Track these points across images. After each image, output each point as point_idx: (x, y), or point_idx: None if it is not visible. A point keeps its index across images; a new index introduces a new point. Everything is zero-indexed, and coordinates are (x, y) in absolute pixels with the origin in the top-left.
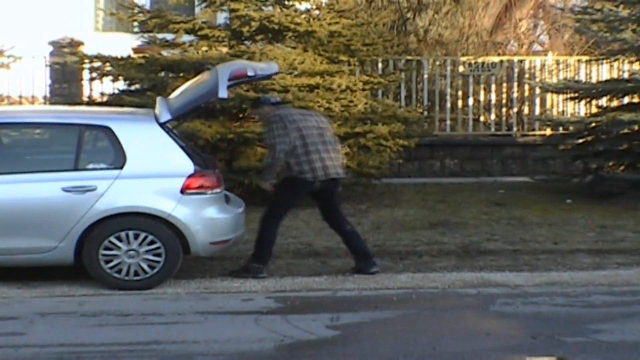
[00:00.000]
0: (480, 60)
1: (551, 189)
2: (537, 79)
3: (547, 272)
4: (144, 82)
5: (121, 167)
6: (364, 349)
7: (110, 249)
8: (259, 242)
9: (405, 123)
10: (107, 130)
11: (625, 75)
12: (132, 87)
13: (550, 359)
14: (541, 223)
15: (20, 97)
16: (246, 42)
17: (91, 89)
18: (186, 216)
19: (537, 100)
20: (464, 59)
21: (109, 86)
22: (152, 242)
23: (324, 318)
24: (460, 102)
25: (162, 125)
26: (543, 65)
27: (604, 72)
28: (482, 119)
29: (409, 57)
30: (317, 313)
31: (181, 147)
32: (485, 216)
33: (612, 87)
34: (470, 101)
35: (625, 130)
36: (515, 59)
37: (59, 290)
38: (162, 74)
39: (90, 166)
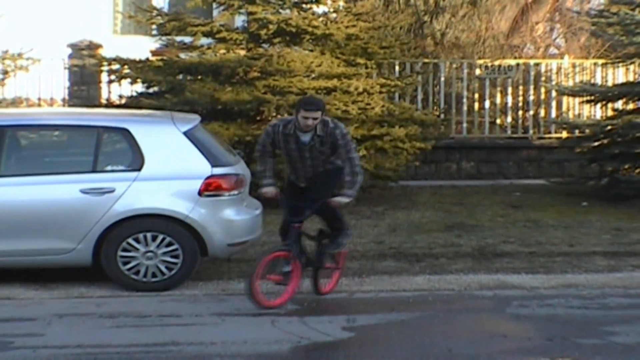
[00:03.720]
0: (496, 63)
1: (567, 192)
2: (554, 82)
3: (562, 274)
4: (162, 85)
5: (139, 169)
6: (379, 351)
7: (128, 251)
8: None
9: (421, 126)
10: (125, 132)
11: None
12: (151, 90)
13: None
14: (557, 225)
15: (39, 99)
16: (264, 45)
17: (109, 92)
18: (204, 218)
19: (553, 103)
20: (480, 62)
21: (127, 89)
22: (169, 244)
23: (341, 320)
24: (476, 105)
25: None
26: (559, 68)
27: (619, 75)
28: (498, 121)
29: (426, 60)
30: (334, 315)
31: (199, 149)
32: (501, 218)
33: (628, 90)
34: (487, 104)
35: None
36: (532, 62)
37: (77, 291)
38: (180, 76)
39: (109, 168)
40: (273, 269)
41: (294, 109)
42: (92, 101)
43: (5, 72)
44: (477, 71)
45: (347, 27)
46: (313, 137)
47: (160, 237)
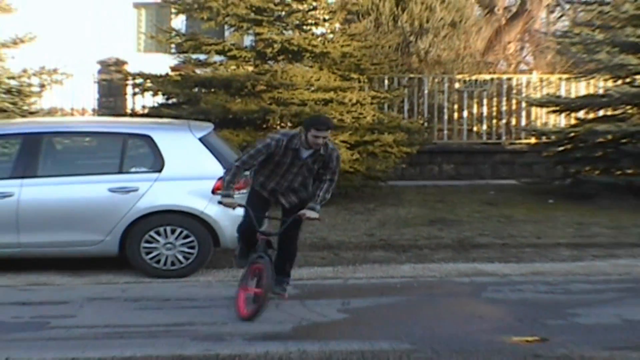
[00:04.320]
0: (473, 77)
1: (535, 191)
2: (524, 94)
3: (531, 263)
4: (180, 97)
5: (160, 171)
6: (371, 330)
7: (150, 242)
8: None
9: (408, 133)
10: (148, 138)
11: (601, 91)
12: (170, 101)
13: (534, 339)
14: (526, 220)
15: (72, 109)
16: (269, 61)
17: (134, 103)
18: (216, 213)
19: (523, 113)
20: (459, 76)
21: (149, 100)
22: (186, 236)
23: (336, 303)
24: (456, 115)
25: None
26: (528, 82)
27: (581, 88)
28: (475, 129)
29: (412, 75)
30: (330, 299)
31: (212, 152)
32: (478, 214)
33: (589, 102)
34: (465, 113)
35: (600, 140)
36: (504, 76)
37: (105, 278)
38: (196, 89)
39: (133, 170)
40: (253, 282)
41: (304, 127)
42: (119, 111)
43: (42, 86)
44: (457, 85)
45: (342, 46)
46: (313, 154)
47: (179, 230)
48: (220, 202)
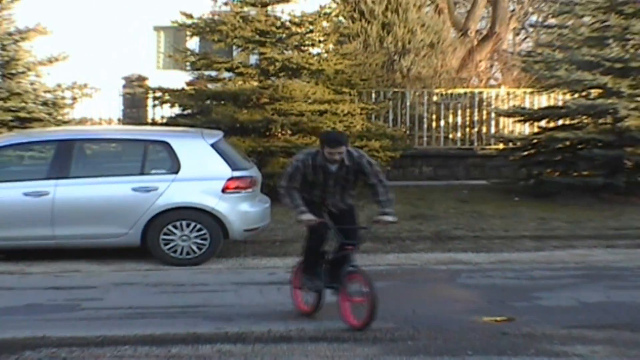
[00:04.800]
0: (449, 91)
1: (503, 190)
2: (493, 106)
3: (500, 252)
4: (194, 108)
5: (176, 172)
6: None
7: (168, 234)
8: None
9: (392, 139)
10: (166, 144)
11: (560, 104)
12: (185, 112)
13: (502, 319)
14: (495, 215)
15: (100, 119)
16: (272, 77)
17: (154, 113)
18: (226, 209)
19: (493, 122)
20: (437, 91)
21: (167, 111)
22: (199, 229)
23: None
24: (434, 124)
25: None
26: (497, 96)
27: (543, 101)
28: (450, 136)
29: (395, 90)
30: None
31: (222, 156)
32: (453, 210)
33: (550, 113)
34: (442, 123)
35: (559, 145)
36: (476, 90)
37: (129, 266)
38: (208, 101)
39: (153, 171)
40: (354, 291)
41: (320, 144)
42: (141, 120)
43: (74, 99)
44: (435, 98)
45: (335, 64)
46: (340, 166)
47: (193, 224)
48: (300, 221)
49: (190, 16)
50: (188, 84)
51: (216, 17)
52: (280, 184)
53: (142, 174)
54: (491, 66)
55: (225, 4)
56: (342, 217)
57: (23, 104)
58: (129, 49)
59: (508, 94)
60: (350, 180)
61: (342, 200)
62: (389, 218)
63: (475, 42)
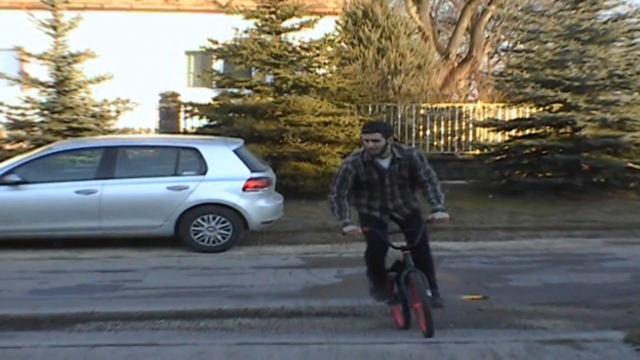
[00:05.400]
0: (434, 106)
1: (479, 189)
2: (471, 118)
3: (476, 241)
4: (219, 120)
5: (204, 174)
6: (359, 291)
7: (197, 226)
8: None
9: None
10: (196, 150)
11: (527, 116)
12: (211, 123)
13: (478, 298)
14: (473, 210)
15: (140, 129)
16: (284, 94)
17: (185, 124)
18: (246, 205)
19: (471, 132)
20: (423, 105)
21: (196, 122)
22: (223, 222)
23: (333, 271)
24: (421, 133)
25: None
26: (474, 109)
27: (513, 113)
28: (435, 143)
29: (389, 104)
30: (329, 268)
31: (242, 160)
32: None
33: (518, 123)
34: (428, 132)
35: (527, 151)
36: (457, 105)
37: (164, 252)
38: (231, 114)
39: (185, 173)
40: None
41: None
42: (174, 130)
43: (118, 112)
44: (422, 111)
45: (338, 83)
46: (392, 161)
47: (218, 217)
48: (344, 234)
49: (215, 42)
50: (214, 99)
51: (237, 43)
52: (330, 191)
53: (175, 175)
54: (469, 84)
55: (245, 32)
56: (408, 223)
57: (75, 116)
58: (164, 70)
59: (483, 108)
60: (405, 177)
61: (406, 204)
62: (439, 215)
63: (456, 64)
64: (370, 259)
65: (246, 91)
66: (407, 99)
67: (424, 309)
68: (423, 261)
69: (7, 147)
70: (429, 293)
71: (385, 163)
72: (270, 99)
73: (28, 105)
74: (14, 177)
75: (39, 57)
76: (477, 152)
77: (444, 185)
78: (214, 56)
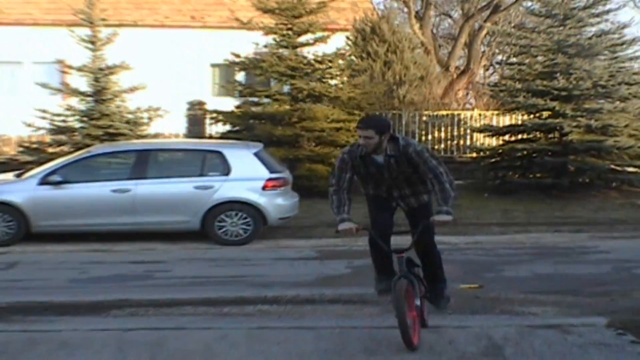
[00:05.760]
0: (435, 113)
1: (476, 188)
2: (468, 124)
3: (473, 236)
4: (240, 126)
5: (227, 174)
6: (367, 280)
7: (221, 222)
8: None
9: None
10: (220, 153)
11: (519, 122)
12: (234, 129)
13: (475, 286)
14: (470, 207)
15: (169, 134)
16: (300, 102)
17: (210, 130)
18: (265, 202)
19: (468, 137)
20: (425, 112)
21: (220, 128)
22: (245, 217)
23: (344, 262)
24: (423, 138)
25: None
26: (471, 116)
27: (506, 120)
28: (436, 147)
29: (394, 111)
30: (340, 260)
31: (262, 162)
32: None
33: (511, 129)
34: (430, 137)
35: (519, 154)
36: (455, 112)
37: (191, 245)
38: (251, 121)
39: (210, 174)
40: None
41: None
42: (200, 135)
43: (150, 118)
44: (424, 118)
45: (348, 92)
46: (387, 157)
47: (240, 213)
48: (337, 232)
49: (238, 56)
50: (236, 107)
51: (258, 57)
52: (329, 184)
53: (201, 175)
54: (467, 94)
55: (265, 46)
56: (412, 217)
57: (111, 123)
58: (191, 80)
59: (480, 115)
60: (407, 172)
61: (414, 195)
62: (442, 217)
63: (455, 76)
64: (373, 259)
65: (265, 100)
66: (411, 107)
67: (419, 318)
68: (426, 257)
69: (50, 150)
70: (418, 302)
71: (379, 159)
72: (287, 107)
73: (69, 113)
74: (56, 178)
75: (79, 70)
76: (474, 155)
77: None
78: (237, 68)
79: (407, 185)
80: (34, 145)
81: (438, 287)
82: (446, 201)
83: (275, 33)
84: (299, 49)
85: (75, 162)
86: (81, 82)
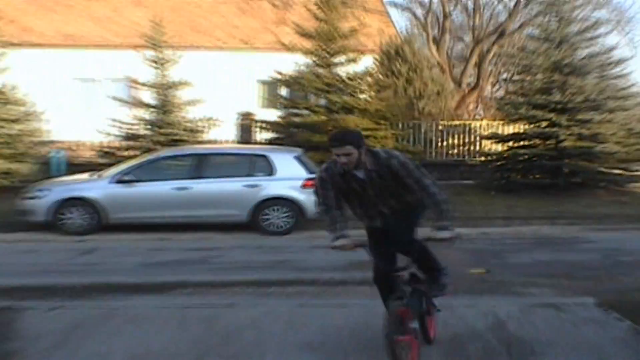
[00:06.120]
0: (449, 123)
1: (484, 187)
2: (478, 133)
3: (481, 227)
4: (283, 134)
5: (271, 175)
6: None
7: (266, 215)
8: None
9: (412, 154)
10: (265, 157)
11: (522, 131)
12: (278, 136)
13: (481, 271)
14: (478, 203)
15: (223, 140)
16: (334, 114)
17: (258, 137)
18: (304, 199)
19: (477, 143)
20: (441, 122)
21: (266, 135)
22: (286, 211)
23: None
24: (439, 144)
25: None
26: (480, 126)
27: (510, 129)
28: (450, 152)
29: (414, 122)
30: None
31: (302, 165)
32: (451, 200)
33: (515, 137)
34: (445, 143)
35: (521, 158)
36: (467, 122)
37: (240, 235)
38: (292, 129)
39: (257, 174)
40: (400, 329)
41: None
42: (249, 141)
43: (206, 127)
44: (440, 127)
45: (376, 105)
46: (367, 172)
47: (282, 208)
48: (332, 248)
49: (281, 74)
50: (280, 117)
51: (298, 74)
52: (316, 204)
53: (249, 175)
54: (477, 106)
55: (304, 66)
56: (394, 223)
57: (173, 131)
58: (241, 94)
59: (487, 124)
60: (390, 187)
61: (399, 201)
62: (443, 234)
63: (466, 91)
64: (375, 281)
65: (304, 111)
66: (429, 118)
67: (413, 342)
68: (422, 262)
69: (120, 154)
70: (415, 325)
71: (361, 174)
72: (324, 117)
73: (137, 122)
74: (127, 177)
75: (147, 85)
76: (483, 158)
77: (456, 184)
78: (280, 84)
79: (394, 198)
80: (107, 150)
81: (439, 286)
82: (442, 215)
83: (313, 54)
84: (333, 68)
85: (143, 164)
86: (147, 96)
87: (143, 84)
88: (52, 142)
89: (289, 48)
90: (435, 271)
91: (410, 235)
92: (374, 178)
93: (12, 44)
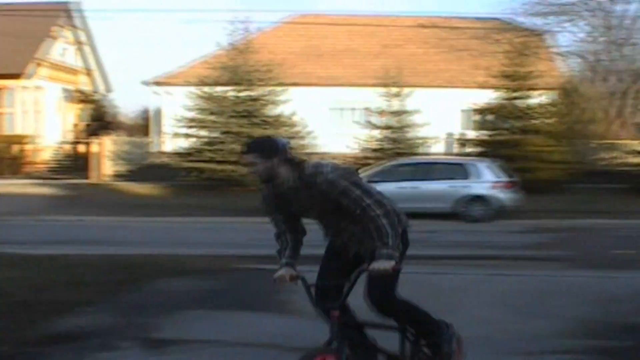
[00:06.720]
0: (604, 142)
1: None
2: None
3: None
4: (483, 148)
5: (467, 179)
6: (555, 245)
7: (465, 208)
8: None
9: (579, 164)
10: (462, 165)
11: None
12: (478, 150)
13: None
14: (621, 202)
15: (437, 152)
16: (522, 133)
17: (463, 150)
18: (492, 194)
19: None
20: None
21: (468, 150)
22: (480, 204)
23: (546, 235)
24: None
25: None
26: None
27: None
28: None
29: (585, 141)
30: (543, 233)
31: (490, 171)
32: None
33: None
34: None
35: None
36: (615, 141)
37: (448, 222)
38: (488, 146)
39: (456, 178)
40: None
41: None
42: (457, 154)
43: (427, 143)
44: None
45: (556, 127)
46: (291, 187)
47: (477, 202)
48: (274, 280)
49: (477, 104)
50: (477, 137)
51: (491, 105)
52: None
53: (451, 179)
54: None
55: (495, 98)
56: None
57: (404, 146)
58: (450, 119)
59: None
60: (328, 208)
61: (360, 242)
62: (378, 265)
63: (613, 117)
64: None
65: (494, 132)
66: (596, 137)
67: None
68: (389, 315)
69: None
70: None
71: (290, 191)
72: (515, 136)
73: (381, 139)
74: (375, 178)
75: (387, 112)
76: (627, 169)
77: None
78: (478, 112)
79: (344, 226)
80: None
81: (433, 344)
82: (383, 241)
83: (500, 89)
84: (516, 101)
85: (384, 169)
86: (376, 120)
87: (382, 111)
88: (316, 153)
89: (484, 85)
90: (434, 336)
91: (385, 288)
92: (302, 197)
93: (293, 84)
